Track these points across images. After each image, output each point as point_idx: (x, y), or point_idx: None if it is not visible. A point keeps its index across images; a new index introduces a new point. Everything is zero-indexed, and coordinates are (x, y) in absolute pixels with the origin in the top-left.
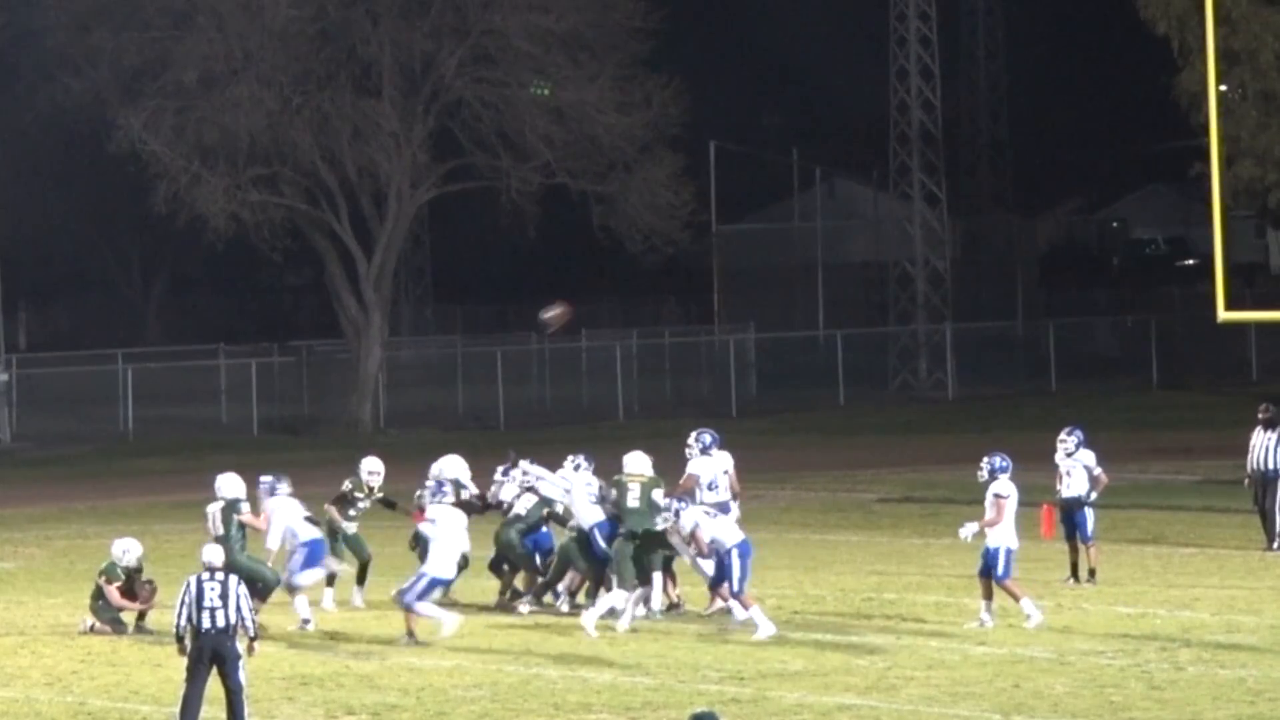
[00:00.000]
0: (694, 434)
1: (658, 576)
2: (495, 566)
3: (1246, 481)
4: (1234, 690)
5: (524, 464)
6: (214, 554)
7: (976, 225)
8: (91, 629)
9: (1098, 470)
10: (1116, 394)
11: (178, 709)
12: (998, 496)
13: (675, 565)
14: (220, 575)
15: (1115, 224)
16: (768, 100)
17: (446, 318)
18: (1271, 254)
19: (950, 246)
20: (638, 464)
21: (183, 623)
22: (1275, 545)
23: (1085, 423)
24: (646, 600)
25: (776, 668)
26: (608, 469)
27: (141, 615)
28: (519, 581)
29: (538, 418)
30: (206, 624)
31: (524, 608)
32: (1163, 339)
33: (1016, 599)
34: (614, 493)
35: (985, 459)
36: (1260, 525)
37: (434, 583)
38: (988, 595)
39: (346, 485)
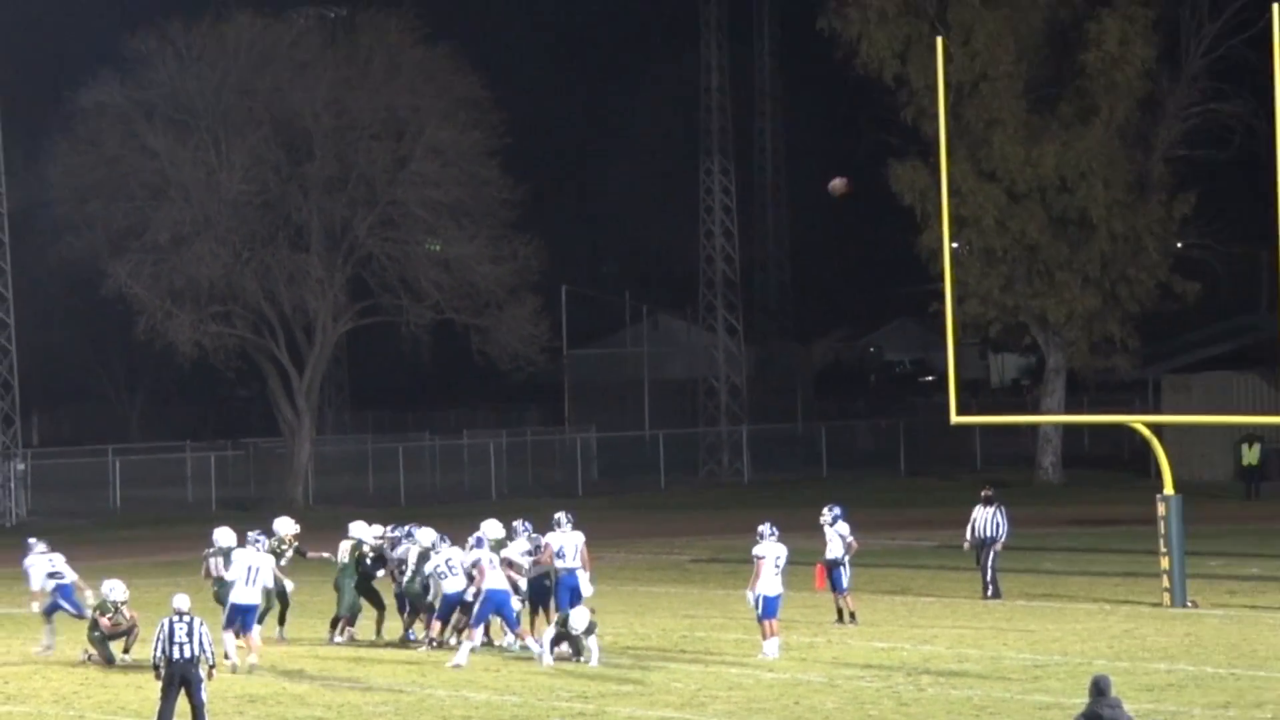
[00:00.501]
0: (560, 514)
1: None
2: (400, 610)
3: (966, 546)
4: (963, 707)
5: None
6: (181, 601)
7: (766, 350)
8: (89, 658)
9: (850, 538)
10: (873, 479)
11: None
12: (756, 558)
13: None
14: (187, 617)
15: (872, 349)
16: (606, 253)
17: (360, 420)
18: (992, 372)
19: (745, 366)
20: (493, 530)
21: (158, 654)
22: (988, 595)
23: (849, 502)
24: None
25: (613, 688)
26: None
27: (127, 649)
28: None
29: (430, 497)
30: (176, 655)
31: (422, 648)
32: (908, 437)
33: (764, 636)
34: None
35: (763, 525)
36: (980, 580)
37: (234, 608)
38: (767, 634)
39: (270, 544)
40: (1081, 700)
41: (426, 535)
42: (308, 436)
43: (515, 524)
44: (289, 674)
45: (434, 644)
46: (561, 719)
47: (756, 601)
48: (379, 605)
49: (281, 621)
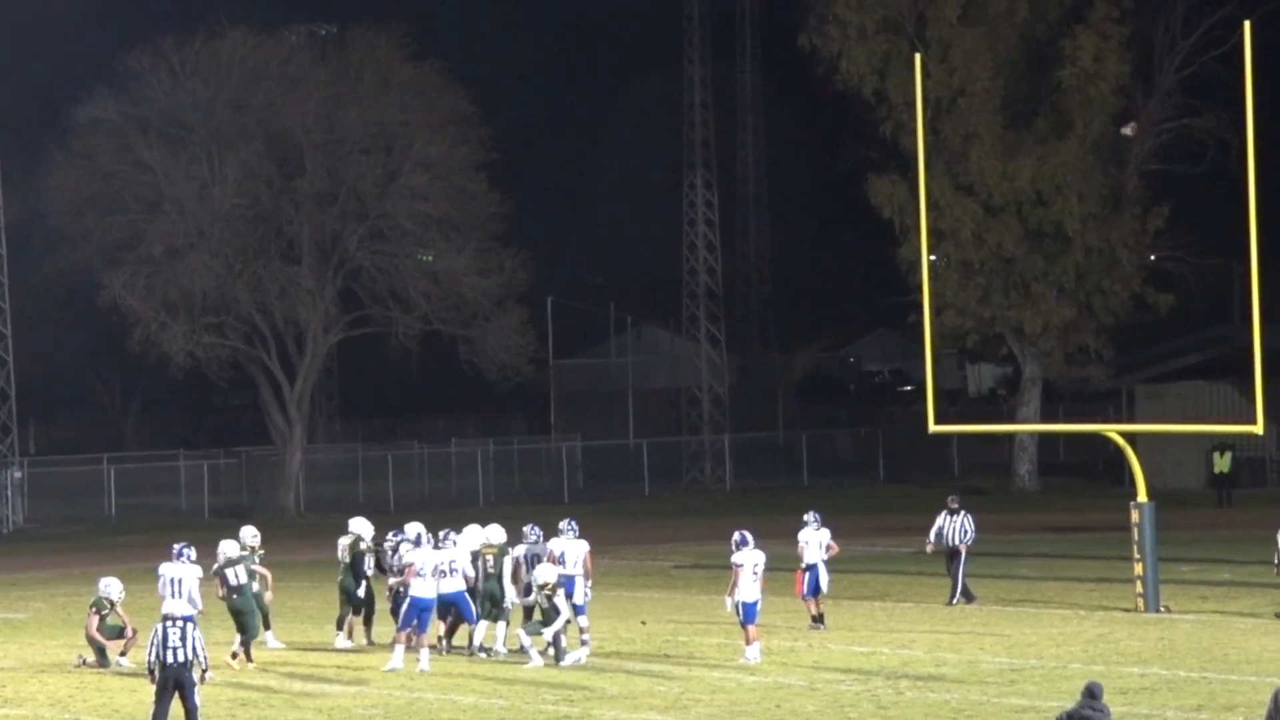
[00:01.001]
0: (564, 521)
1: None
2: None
3: (930, 549)
4: (941, 710)
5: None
6: (174, 606)
7: (748, 360)
8: (84, 662)
9: (830, 543)
10: (853, 487)
11: None
12: (735, 566)
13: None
14: (180, 622)
15: (852, 359)
16: (592, 266)
17: (350, 429)
18: (969, 382)
19: (728, 376)
20: (496, 535)
21: (152, 659)
22: (954, 600)
23: (829, 509)
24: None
25: (598, 691)
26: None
27: (124, 652)
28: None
29: (418, 505)
30: (170, 659)
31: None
32: (887, 445)
33: (747, 642)
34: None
35: (735, 534)
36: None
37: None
38: (749, 639)
39: (238, 552)
40: (1057, 704)
41: (413, 528)
42: (299, 445)
43: (525, 529)
44: (280, 677)
45: (480, 650)
46: None
47: (736, 608)
48: (361, 606)
49: (266, 627)
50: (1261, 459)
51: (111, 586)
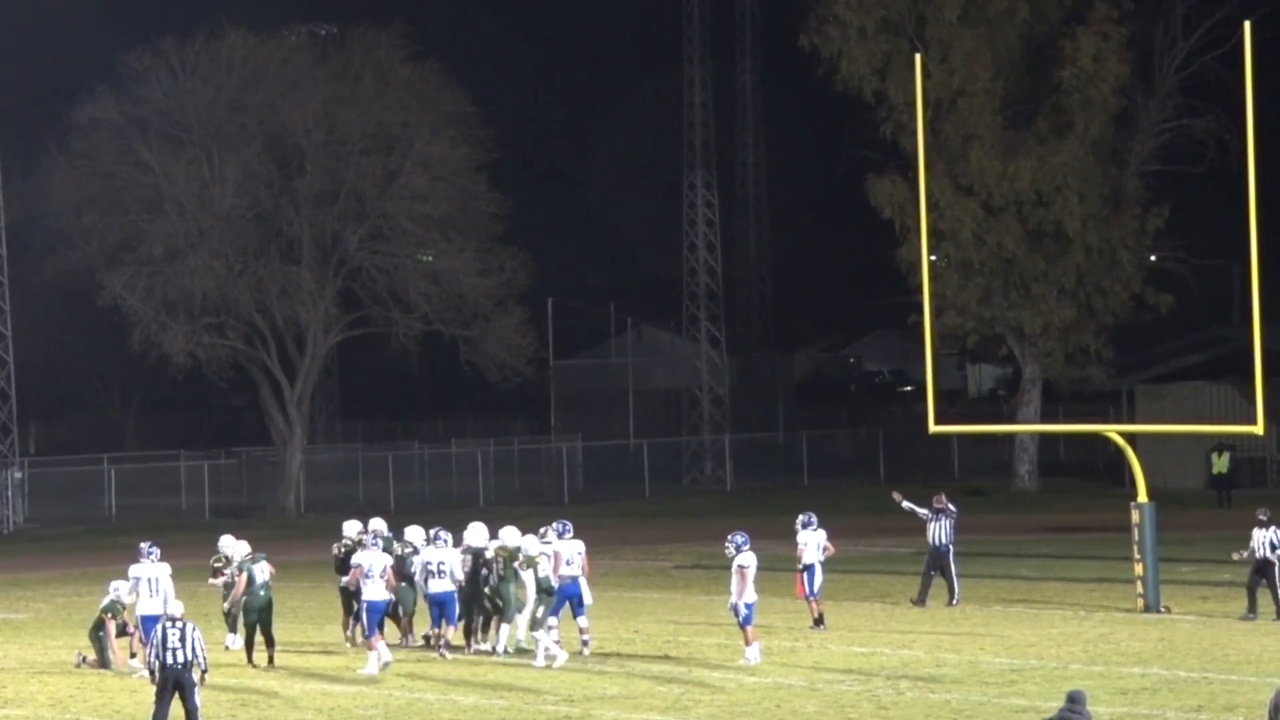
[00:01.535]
0: (556, 523)
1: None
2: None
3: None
4: (941, 710)
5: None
6: (175, 608)
7: (748, 361)
8: (84, 661)
9: (826, 543)
10: (853, 487)
11: None
12: (741, 568)
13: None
14: (179, 623)
15: (852, 359)
16: (592, 266)
17: (350, 430)
18: (969, 382)
19: (728, 376)
20: (510, 538)
21: (153, 659)
22: (954, 601)
23: (829, 509)
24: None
25: (598, 692)
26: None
27: (134, 653)
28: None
29: (419, 506)
30: (170, 660)
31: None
32: (888, 446)
33: (746, 643)
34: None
35: (729, 537)
36: (946, 586)
37: (145, 620)
38: (749, 640)
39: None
40: (1058, 704)
41: (415, 534)
42: (299, 445)
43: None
44: (280, 677)
45: (443, 648)
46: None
47: (735, 609)
48: (348, 608)
49: (231, 629)
50: (1262, 459)
51: (122, 589)
